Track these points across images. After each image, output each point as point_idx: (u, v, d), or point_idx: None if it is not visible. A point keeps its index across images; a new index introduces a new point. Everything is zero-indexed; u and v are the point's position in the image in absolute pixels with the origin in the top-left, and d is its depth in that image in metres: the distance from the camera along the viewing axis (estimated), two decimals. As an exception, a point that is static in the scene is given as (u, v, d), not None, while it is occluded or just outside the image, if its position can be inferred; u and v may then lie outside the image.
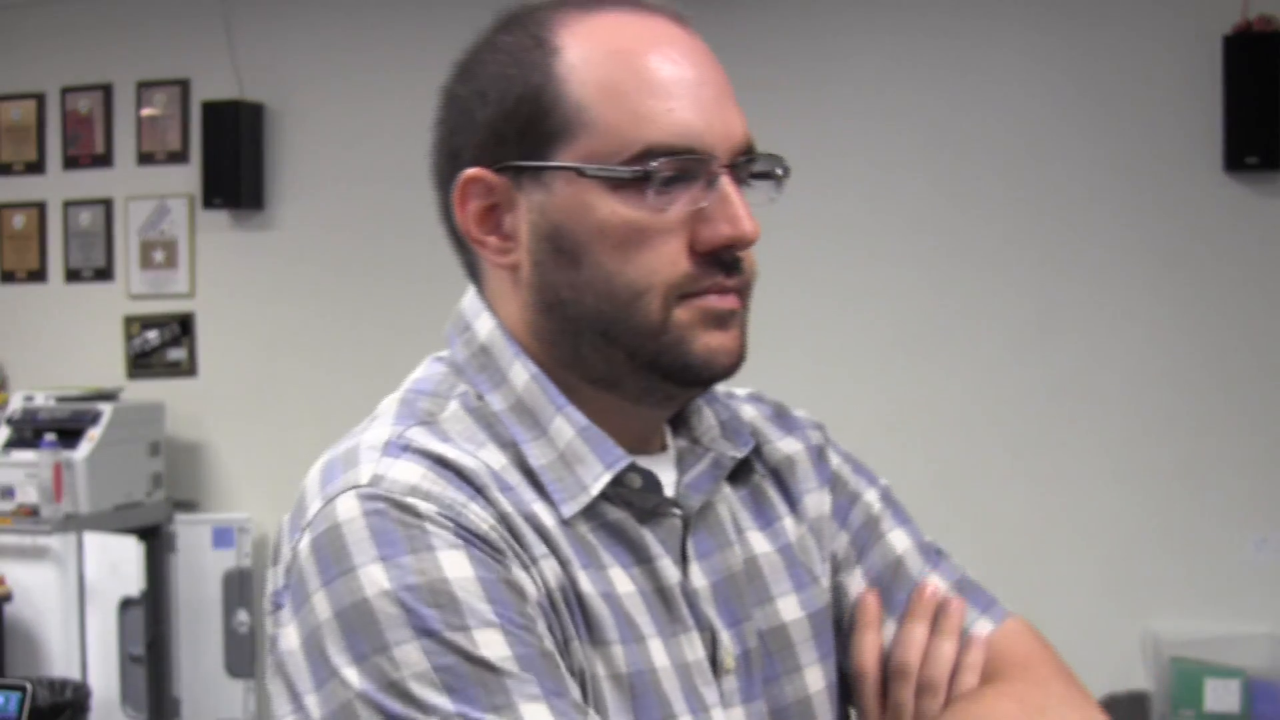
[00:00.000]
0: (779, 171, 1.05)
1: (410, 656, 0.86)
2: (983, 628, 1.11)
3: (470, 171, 1.01)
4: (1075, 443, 4.09)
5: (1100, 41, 4.05)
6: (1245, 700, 3.75)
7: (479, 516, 0.92)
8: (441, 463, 0.94)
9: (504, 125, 0.99)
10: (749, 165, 1.02)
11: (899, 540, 1.15)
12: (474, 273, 1.07)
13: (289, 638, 0.92)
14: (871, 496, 1.17)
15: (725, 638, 1.01)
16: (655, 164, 0.96)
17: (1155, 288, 4.03)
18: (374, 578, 0.88)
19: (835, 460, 1.18)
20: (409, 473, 0.93)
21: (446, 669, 0.86)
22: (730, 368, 1.01)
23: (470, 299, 1.06)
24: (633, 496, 1.01)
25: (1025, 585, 4.10)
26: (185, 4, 4.93)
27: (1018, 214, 4.14)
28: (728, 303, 1.00)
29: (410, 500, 0.91)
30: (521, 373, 1.01)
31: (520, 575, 0.91)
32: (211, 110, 4.82)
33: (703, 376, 1.00)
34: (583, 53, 0.99)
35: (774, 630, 1.06)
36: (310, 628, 0.90)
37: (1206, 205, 3.97)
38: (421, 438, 0.96)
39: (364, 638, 0.87)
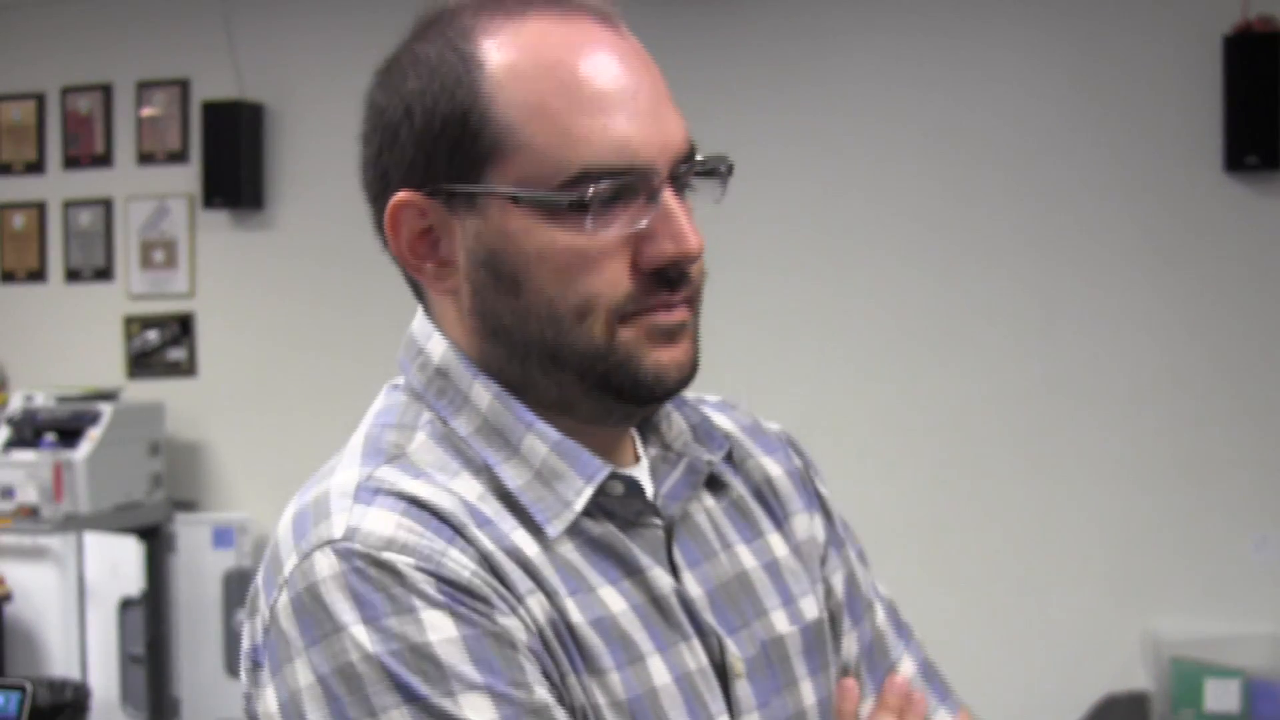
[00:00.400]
0: (723, 170, 1.01)
1: None
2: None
3: (400, 196, 0.97)
4: (1076, 442, 4.09)
5: (1100, 41, 4.05)
6: (1245, 700, 3.75)
7: (459, 564, 0.89)
8: (416, 504, 0.91)
9: (432, 147, 0.95)
10: (690, 171, 0.98)
11: (878, 613, 1.17)
12: (418, 293, 1.04)
13: (267, 700, 0.90)
14: (851, 553, 1.17)
15: (731, 644, 1.00)
16: (592, 190, 0.92)
17: (1156, 287, 4.03)
18: (357, 641, 0.86)
19: (824, 491, 1.18)
20: (383, 522, 0.90)
21: None
22: (682, 381, 0.99)
23: (419, 322, 1.03)
24: (615, 505, 0.99)
25: (1026, 585, 4.11)
26: (185, 4, 4.93)
27: (1018, 214, 4.14)
28: (675, 317, 0.97)
29: (387, 556, 0.88)
30: (483, 393, 0.98)
31: (507, 623, 0.89)
32: (211, 110, 4.82)
33: (656, 393, 0.98)
34: (508, 68, 0.94)
35: (773, 641, 1.05)
36: (290, 691, 0.88)
37: (1206, 205, 3.97)
38: (392, 477, 0.93)
39: (348, 704, 0.86)
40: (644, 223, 0.95)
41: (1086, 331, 4.08)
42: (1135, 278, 4.05)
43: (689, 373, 0.99)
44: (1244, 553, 3.93)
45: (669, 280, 0.96)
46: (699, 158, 0.99)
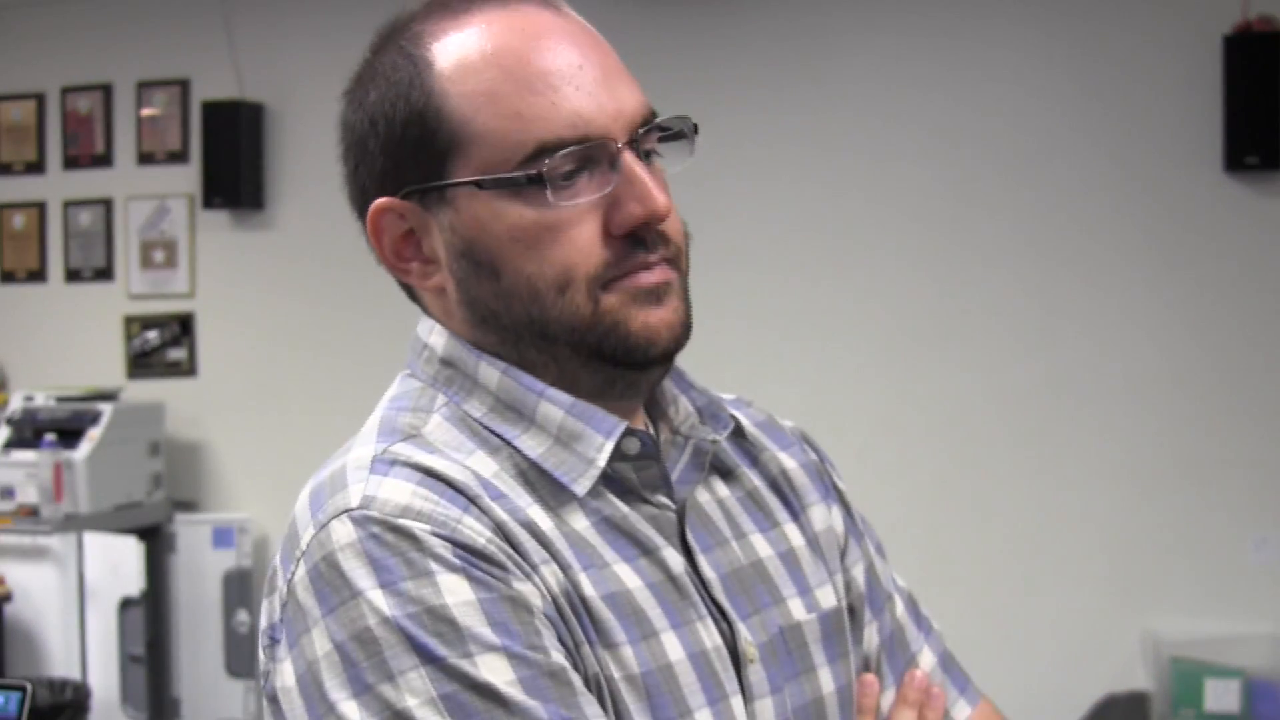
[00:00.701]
0: (688, 130, 1.02)
1: (414, 685, 0.85)
2: (960, 711, 1.18)
3: (378, 203, 1.00)
4: (1076, 442, 4.09)
5: (1100, 41, 4.05)
6: (1245, 700, 3.75)
7: (474, 530, 0.90)
8: (431, 474, 0.92)
9: (398, 151, 0.99)
10: (650, 136, 1.00)
11: (897, 605, 1.18)
12: (413, 296, 1.07)
13: (284, 674, 0.91)
14: (870, 546, 1.19)
15: (743, 628, 1.01)
16: (549, 162, 0.94)
17: (1156, 287, 4.03)
18: (374, 606, 0.87)
19: (842, 485, 1.19)
20: (399, 491, 0.91)
21: (450, 697, 0.85)
22: (674, 340, 1.00)
23: (421, 322, 1.06)
24: (631, 474, 1.00)
25: (1026, 584, 4.11)
26: (185, 4, 4.93)
27: (1019, 213, 4.14)
28: (655, 277, 0.98)
29: (403, 522, 0.89)
30: (491, 372, 1.00)
31: (523, 588, 0.90)
32: (211, 110, 4.82)
33: (649, 355, 0.99)
34: (456, 63, 0.97)
35: (791, 628, 1.06)
36: (307, 662, 0.89)
37: (1206, 205, 3.97)
38: (408, 451, 0.95)
39: (366, 669, 0.86)
40: (609, 189, 0.96)
41: (1086, 331, 4.08)
42: (1135, 278, 4.04)
43: (680, 333, 1.00)
44: (1244, 553, 3.93)
45: (644, 242, 0.97)
46: (659, 120, 1.00)
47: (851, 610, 1.12)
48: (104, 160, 5.09)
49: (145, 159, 5.04)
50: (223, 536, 4.65)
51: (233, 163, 4.79)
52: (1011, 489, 4.14)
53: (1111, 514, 4.05)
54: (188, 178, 4.96)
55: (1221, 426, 3.97)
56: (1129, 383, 4.04)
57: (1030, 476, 4.13)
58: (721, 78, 4.31)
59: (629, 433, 0.99)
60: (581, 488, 0.96)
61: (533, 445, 0.98)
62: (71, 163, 5.13)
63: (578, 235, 0.96)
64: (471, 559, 0.89)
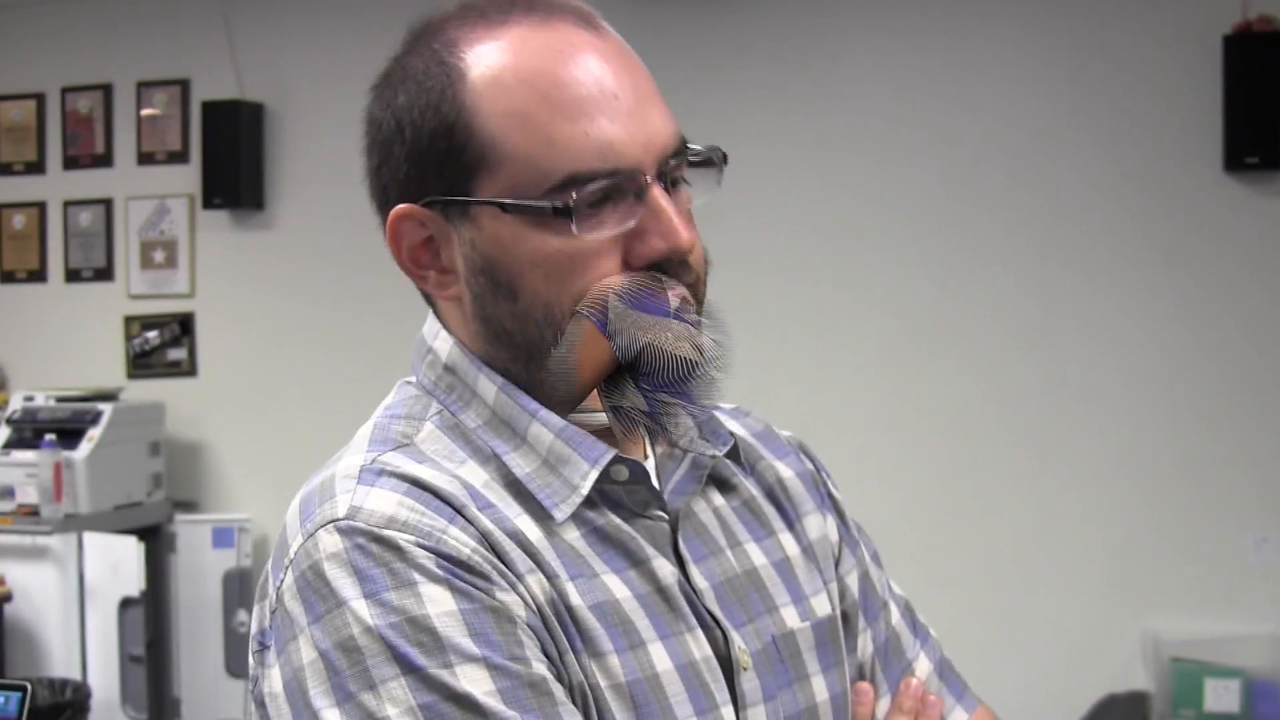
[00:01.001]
0: (716, 159, 1.02)
1: (394, 694, 0.86)
2: (957, 718, 1.18)
3: (399, 209, 0.99)
4: (1075, 442, 4.09)
5: (1100, 41, 4.05)
6: (1245, 700, 3.75)
7: (459, 541, 0.90)
8: (418, 485, 0.93)
9: (423, 161, 0.98)
10: (679, 166, 0.99)
11: (893, 613, 1.18)
12: (427, 297, 1.06)
13: (272, 680, 0.91)
14: (865, 554, 1.19)
15: (736, 636, 1.01)
16: (577, 195, 0.93)
17: (1156, 287, 4.03)
18: (358, 615, 0.87)
19: (837, 494, 1.19)
20: (385, 501, 0.91)
21: (429, 706, 0.86)
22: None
23: (429, 323, 1.06)
24: (621, 495, 1.00)
25: (1026, 585, 4.11)
26: (185, 4, 4.93)
27: (1019, 214, 4.14)
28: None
29: (388, 533, 0.90)
30: (489, 386, 1.00)
31: (506, 598, 0.90)
32: (211, 110, 4.82)
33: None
34: (489, 79, 0.95)
35: (784, 636, 1.06)
36: (293, 669, 0.89)
37: (1206, 205, 3.97)
38: (396, 460, 0.95)
39: (348, 678, 0.87)
40: (633, 222, 0.96)
41: (1086, 332, 4.08)
42: (1135, 278, 4.04)
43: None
44: (1243, 553, 3.93)
45: (665, 273, 0.97)
46: (691, 147, 1.00)
47: (845, 618, 1.12)
48: (104, 160, 5.09)
49: (145, 159, 5.04)
50: (223, 536, 4.65)
51: (233, 163, 4.79)
52: (1011, 489, 4.14)
53: (1111, 514, 4.05)
54: (188, 178, 4.96)
55: (1221, 426, 3.97)
56: (1129, 383, 4.04)
57: (1030, 476, 4.13)
58: (721, 78, 4.31)
59: (618, 460, 0.99)
60: (562, 513, 0.96)
61: (521, 463, 0.97)
62: (71, 163, 5.13)
63: (598, 265, 0.96)
64: (455, 570, 0.89)
